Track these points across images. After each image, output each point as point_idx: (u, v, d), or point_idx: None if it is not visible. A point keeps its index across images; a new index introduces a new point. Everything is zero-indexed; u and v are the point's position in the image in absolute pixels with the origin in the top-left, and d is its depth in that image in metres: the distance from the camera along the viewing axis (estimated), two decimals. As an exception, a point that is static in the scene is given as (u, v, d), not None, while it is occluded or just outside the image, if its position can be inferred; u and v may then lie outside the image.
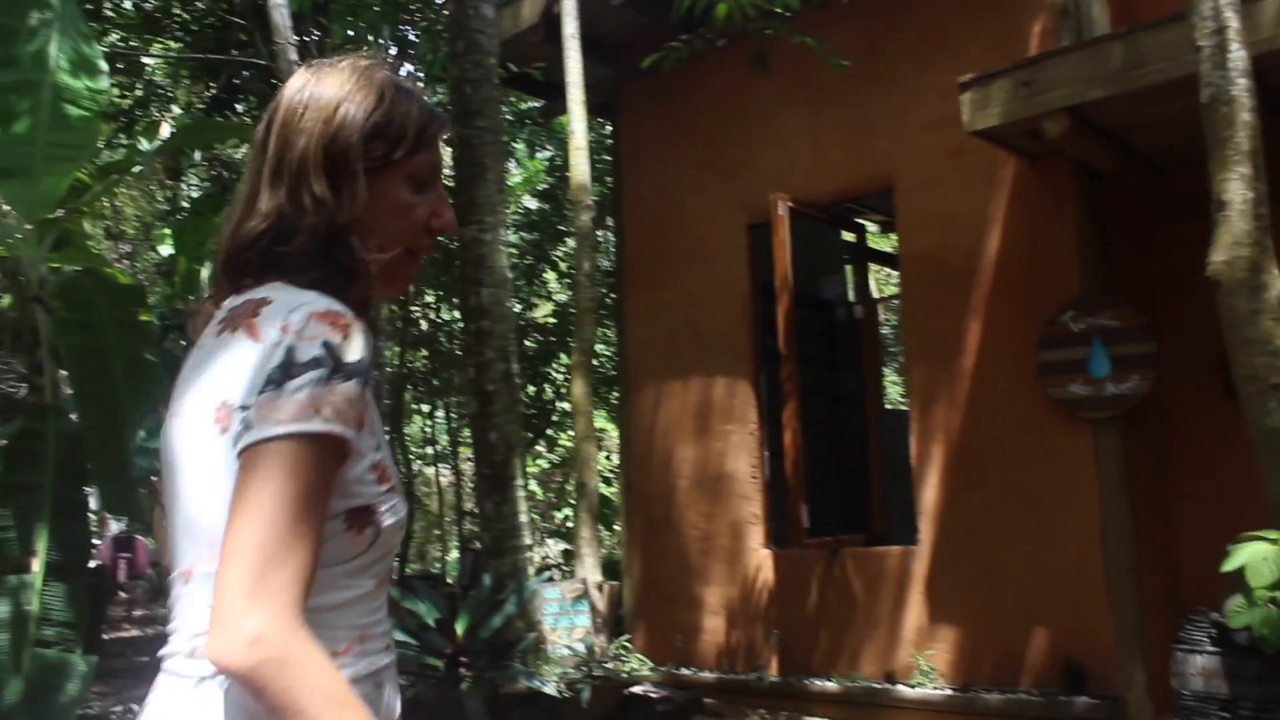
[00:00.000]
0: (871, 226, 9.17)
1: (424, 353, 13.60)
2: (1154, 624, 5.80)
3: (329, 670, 1.22)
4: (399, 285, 1.54)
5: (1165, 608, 6.00)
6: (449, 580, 11.15)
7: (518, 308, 13.98)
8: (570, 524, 12.75)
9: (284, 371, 1.27)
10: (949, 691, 6.14)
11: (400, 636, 5.80)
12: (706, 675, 7.15)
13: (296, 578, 1.22)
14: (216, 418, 1.31)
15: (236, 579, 1.19)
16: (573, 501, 10.63)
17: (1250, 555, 2.04)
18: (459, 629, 6.05)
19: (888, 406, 11.02)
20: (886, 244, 10.79)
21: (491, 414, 6.61)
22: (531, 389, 13.52)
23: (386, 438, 1.46)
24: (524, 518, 6.72)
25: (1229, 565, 2.07)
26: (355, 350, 1.30)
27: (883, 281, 14.75)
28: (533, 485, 16.22)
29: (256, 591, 1.19)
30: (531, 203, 14.11)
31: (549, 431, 14.29)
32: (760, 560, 7.18)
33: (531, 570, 6.89)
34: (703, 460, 7.47)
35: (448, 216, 1.52)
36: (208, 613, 1.22)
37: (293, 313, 1.31)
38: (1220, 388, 6.22)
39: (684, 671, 7.23)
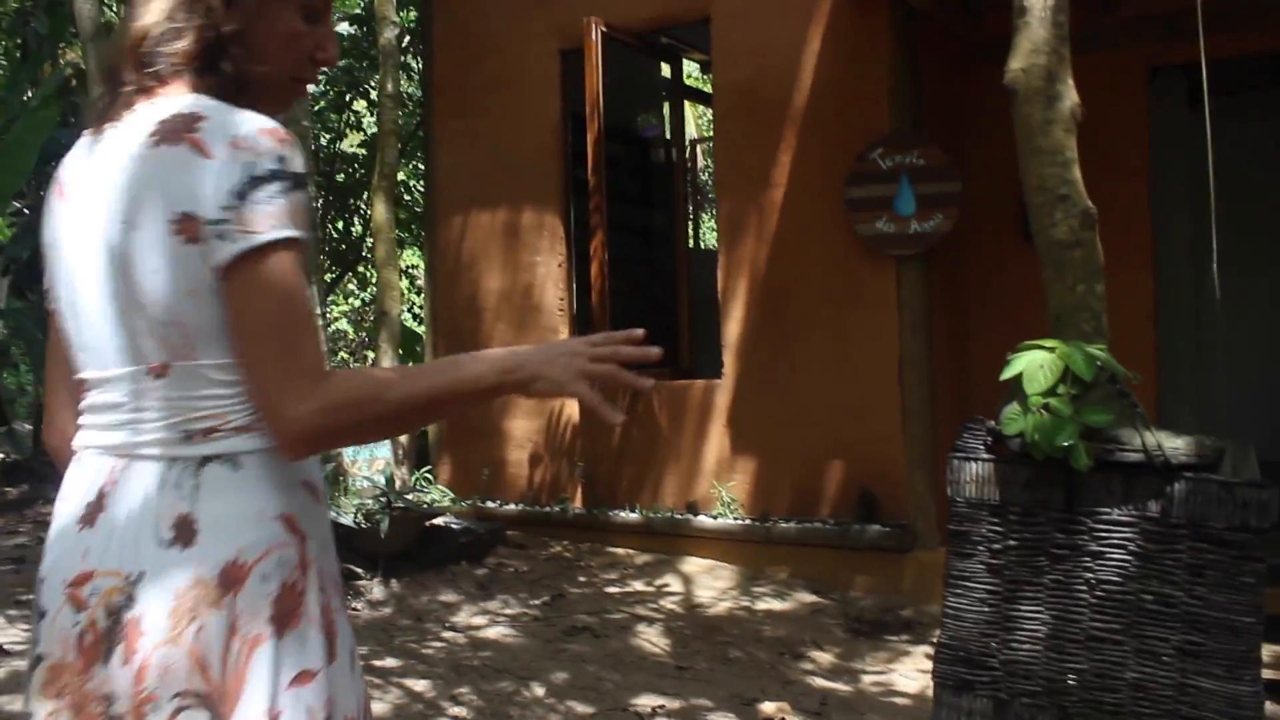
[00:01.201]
0: (694, 67, 9.00)
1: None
2: (945, 456, 5.98)
3: (362, 387, 1.42)
4: (280, 108, 1.59)
5: (956, 434, 6.18)
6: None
7: (325, 139, 13.38)
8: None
9: (251, 185, 1.38)
10: (747, 521, 6.26)
11: None
12: (511, 508, 7.12)
13: (318, 358, 1.39)
14: (180, 229, 1.39)
15: (276, 372, 1.37)
16: (381, 338, 10.34)
17: (1028, 363, 2.01)
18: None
19: (702, 248, 11.05)
20: (708, 86, 10.62)
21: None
22: (340, 224, 13.05)
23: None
24: (322, 348, 6.47)
25: (1007, 373, 2.04)
26: (299, 161, 1.43)
27: (704, 127, 14.63)
28: (343, 324, 15.84)
29: (297, 373, 1.36)
30: (343, 27, 13.40)
31: (360, 269, 13.89)
32: (567, 394, 7.11)
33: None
34: (510, 291, 7.31)
35: (332, 51, 1.61)
36: (207, 402, 1.42)
37: (239, 129, 1.41)
38: (1020, 230, 6.37)
39: (488, 504, 7.19)
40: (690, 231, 8.39)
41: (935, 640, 2.16)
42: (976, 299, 6.54)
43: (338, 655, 1.48)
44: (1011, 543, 2.12)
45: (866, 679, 4.86)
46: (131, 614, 1.38)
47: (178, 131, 1.42)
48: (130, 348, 1.44)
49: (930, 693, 4.72)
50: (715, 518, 6.38)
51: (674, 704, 4.42)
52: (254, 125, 1.42)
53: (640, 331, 1.61)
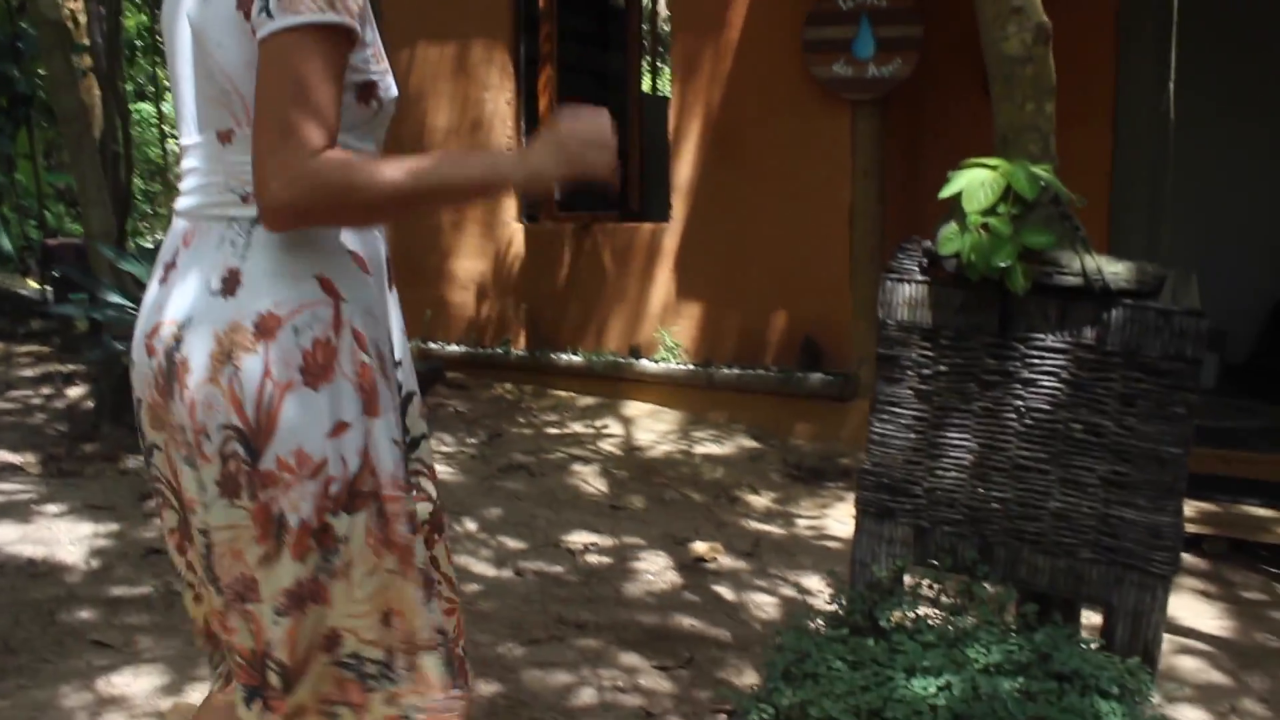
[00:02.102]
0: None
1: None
2: (890, 306, 5.93)
3: (368, 165, 1.49)
4: None
5: (902, 291, 6.12)
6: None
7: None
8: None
9: None
10: (690, 366, 6.21)
11: (118, 299, 5.39)
12: (454, 349, 7.02)
13: (324, 126, 1.44)
14: (240, 4, 1.49)
15: (267, 145, 1.43)
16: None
17: (968, 181, 1.91)
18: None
19: (658, 94, 10.78)
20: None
21: None
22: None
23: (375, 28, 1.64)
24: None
25: (946, 191, 1.94)
26: None
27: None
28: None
29: (284, 148, 1.42)
30: None
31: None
32: (512, 234, 6.98)
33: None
34: (457, 127, 7.09)
35: None
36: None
37: None
38: (981, 83, 6.20)
39: (431, 345, 7.08)
40: (645, 77, 8.14)
41: (860, 467, 2.10)
42: (931, 150, 6.39)
43: (380, 414, 1.60)
44: (942, 368, 2.05)
45: (800, 523, 4.88)
46: (179, 354, 1.56)
47: None
48: (205, 116, 1.58)
49: (862, 537, 4.77)
50: (658, 362, 6.32)
51: (606, 541, 4.41)
52: None
53: None
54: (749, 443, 5.88)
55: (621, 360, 6.43)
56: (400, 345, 1.79)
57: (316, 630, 1.61)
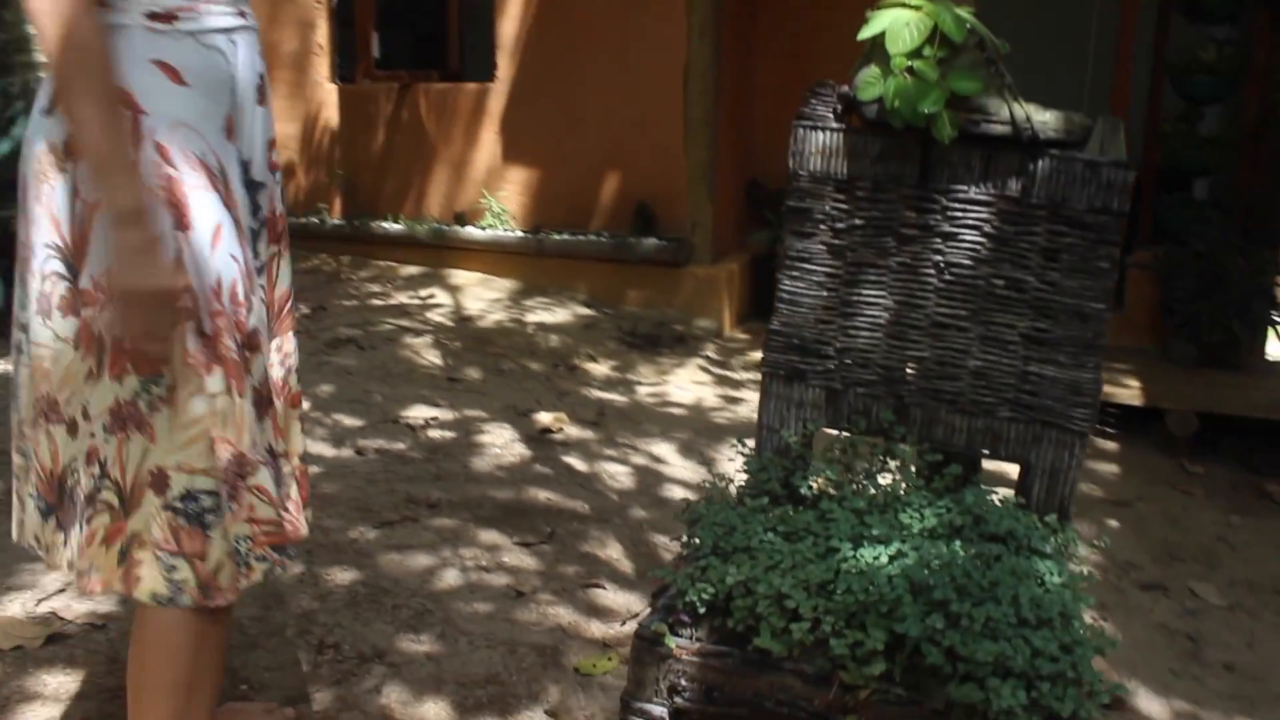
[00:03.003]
0: None
1: None
2: (724, 170, 5.83)
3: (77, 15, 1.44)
4: None
5: (736, 155, 6.04)
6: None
7: None
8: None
9: None
10: (519, 233, 5.99)
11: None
12: (262, 217, 6.59)
13: None
14: None
15: None
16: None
17: (891, 21, 1.77)
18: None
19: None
20: None
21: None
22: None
23: None
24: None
25: (866, 32, 1.80)
26: None
27: None
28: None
29: None
30: None
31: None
32: (324, 95, 6.54)
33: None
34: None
35: None
36: None
37: None
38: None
39: (237, 213, 6.62)
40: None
41: (768, 328, 1.98)
42: (766, 10, 6.26)
43: (190, 226, 1.57)
44: (857, 222, 1.93)
45: (642, 390, 4.79)
46: (23, 174, 1.62)
47: None
48: None
49: (705, 404, 4.72)
50: (485, 229, 6.08)
51: (447, 415, 4.22)
52: None
53: None
54: (583, 310, 5.74)
55: (446, 228, 6.16)
56: (261, 165, 1.76)
57: (144, 464, 1.62)
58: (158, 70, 1.57)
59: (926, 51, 1.83)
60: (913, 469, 1.88)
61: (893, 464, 1.89)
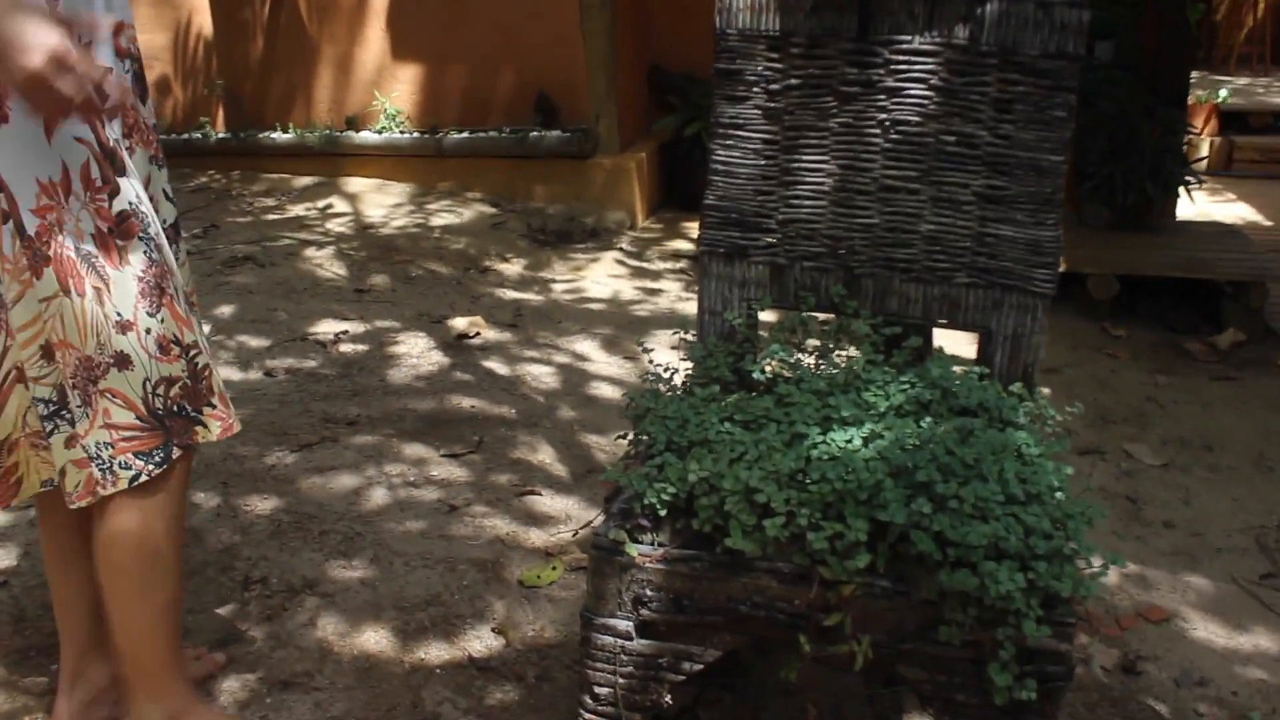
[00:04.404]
0: None
1: None
2: (625, 56, 5.61)
3: None
4: None
5: (636, 40, 5.81)
6: None
7: None
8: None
9: None
10: (415, 134, 5.72)
11: None
12: (140, 135, 6.22)
13: None
14: None
15: None
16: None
17: None
18: None
19: None
20: None
21: None
22: None
23: None
24: None
25: None
26: None
27: None
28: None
29: None
30: None
31: None
32: (195, 1, 6.15)
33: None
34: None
35: None
36: None
37: None
38: None
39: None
40: None
41: (703, 203, 1.83)
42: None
43: (7, 117, 1.44)
44: (793, 81, 1.78)
45: (557, 288, 4.63)
46: None
47: None
48: None
49: (624, 297, 4.58)
50: (379, 132, 5.80)
51: (358, 328, 4.02)
52: None
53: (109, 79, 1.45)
54: (488, 209, 5.53)
55: (337, 134, 5.86)
56: (108, 54, 1.58)
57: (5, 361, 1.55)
58: None
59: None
60: (870, 344, 1.76)
61: (848, 341, 1.77)
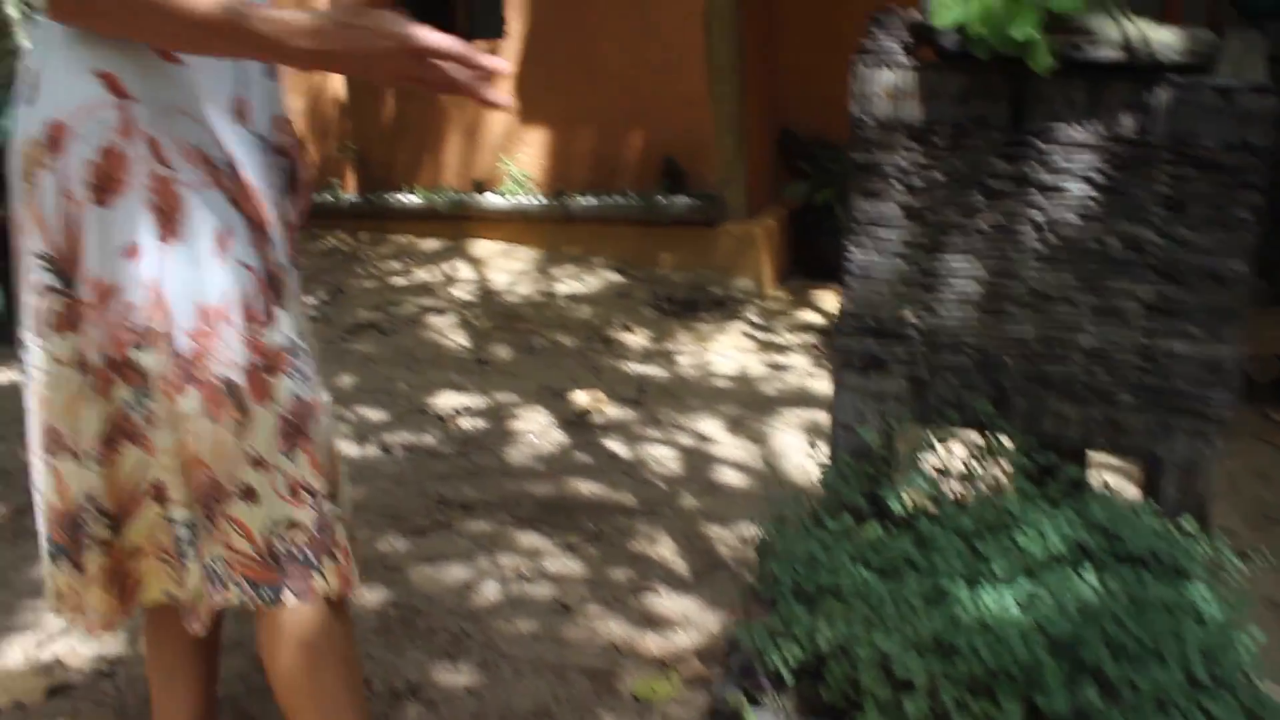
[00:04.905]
0: None
1: None
2: (754, 120, 5.48)
3: None
4: None
5: (765, 104, 5.69)
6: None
7: None
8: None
9: None
10: (543, 198, 5.67)
11: None
12: (274, 198, 6.31)
13: None
14: None
15: None
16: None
17: (970, -74, 1.43)
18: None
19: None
20: None
21: None
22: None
23: None
24: (14, 9, 5.36)
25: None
26: None
27: None
28: None
29: None
30: None
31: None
32: (329, 65, 6.23)
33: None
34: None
35: None
36: None
37: None
38: None
39: (247, 195, 6.35)
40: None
41: (838, 309, 1.67)
42: (785, -56, 5.88)
43: (179, 235, 1.38)
44: (937, 175, 1.61)
45: (682, 361, 4.49)
46: (9, 175, 1.41)
47: None
48: None
49: (751, 373, 4.42)
50: (506, 196, 5.76)
51: (478, 402, 3.94)
52: None
53: (500, 63, 1.38)
54: (614, 277, 5.43)
55: (465, 197, 5.85)
56: (272, 133, 1.54)
57: (140, 476, 1.47)
58: (148, 49, 1.36)
59: (1013, -34, 1.50)
60: (1022, 473, 1.57)
61: (996, 468, 1.59)
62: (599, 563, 2.83)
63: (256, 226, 1.45)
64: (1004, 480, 1.57)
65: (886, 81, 1.61)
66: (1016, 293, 1.63)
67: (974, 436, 1.67)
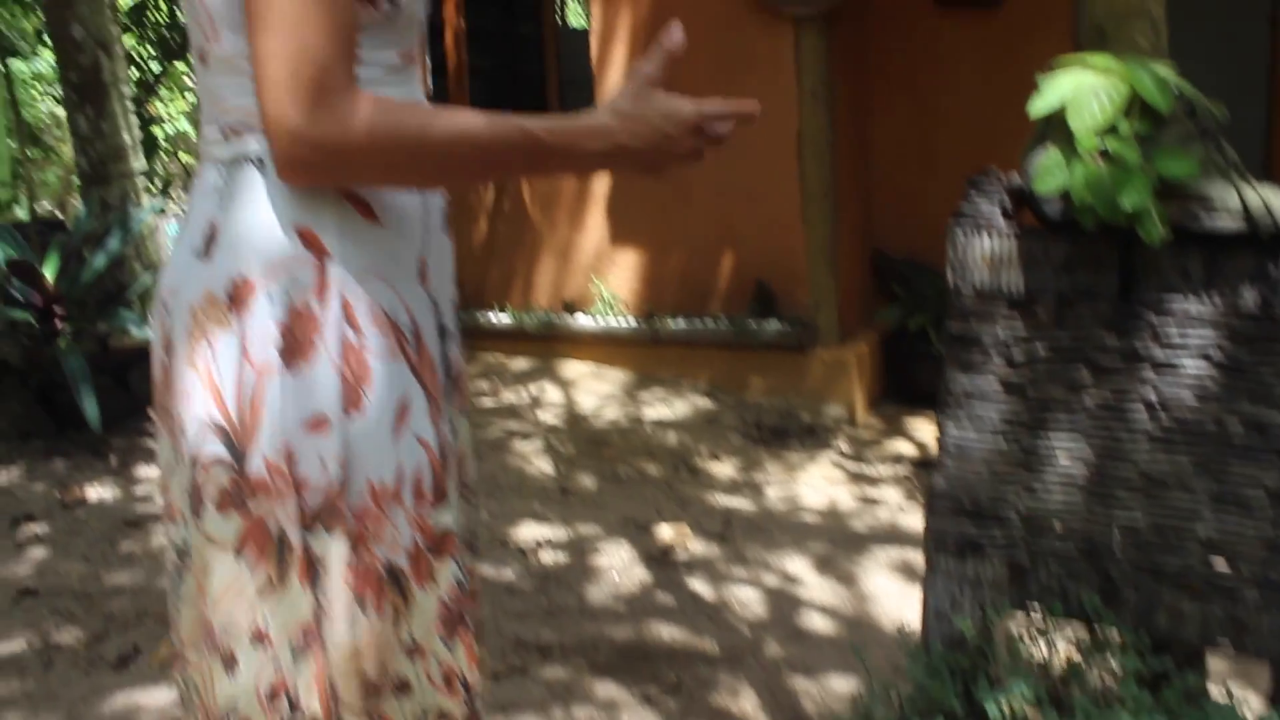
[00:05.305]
0: None
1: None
2: (846, 243, 5.41)
3: (396, 121, 1.17)
4: None
5: (858, 226, 5.62)
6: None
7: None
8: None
9: None
10: (632, 320, 5.63)
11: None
12: (367, 315, 6.37)
13: (341, 57, 1.13)
14: None
15: (286, 72, 1.10)
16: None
17: (1074, 88, 1.34)
18: (49, 273, 4.94)
19: (570, 27, 10.08)
20: None
21: (72, 2, 5.25)
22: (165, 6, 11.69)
23: None
24: (129, 135, 5.53)
25: (1041, 106, 1.39)
26: None
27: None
28: (184, 124, 14.41)
29: (306, 81, 1.11)
30: None
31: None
32: (424, 185, 6.31)
33: (148, 199, 5.76)
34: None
35: None
36: (238, 95, 1.22)
37: None
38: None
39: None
40: (556, 5, 7.47)
41: (931, 488, 1.56)
42: (878, 68, 5.86)
43: (364, 407, 1.25)
44: (1040, 349, 1.50)
45: (771, 494, 4.37)
46: (167, 331, 1.30)
47: None
48: (190, 33, 1.28)
49: (841, 507, 4.28)
50: (596, 317, 5.74)
51: (560, 534, 3.85)
52: None
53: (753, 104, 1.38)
54: (702, 401, 5.34)
55: (555, 318, 5.84)
56: (449, 309, 1.42)
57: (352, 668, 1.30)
58: (345, 202, 1.25)
59: (1122, 126, 1.41)
60: (1134, 677, 1.43)
61: (1102, 670, 1.45)
62: (677, 716, 2.70)
63: (431, 397, 1.34)
64: (1113, 682, 1.43)
65: (985, 249, 1.51)
66: (1126, 476, 1.50)
67: (1079, 631, 1.54)
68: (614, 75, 5.66)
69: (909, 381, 5.39)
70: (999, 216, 1.52)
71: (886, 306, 5.48)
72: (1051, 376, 1.52)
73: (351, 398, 1.25)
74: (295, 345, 1.23)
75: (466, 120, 1.20)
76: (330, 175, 1.20)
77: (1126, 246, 1.45)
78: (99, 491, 4.31)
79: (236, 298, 1.23)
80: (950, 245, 1.52)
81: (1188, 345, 1.45)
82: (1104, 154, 1.40)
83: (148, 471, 4.52)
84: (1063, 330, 1.50)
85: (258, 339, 1.22)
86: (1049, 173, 1.42)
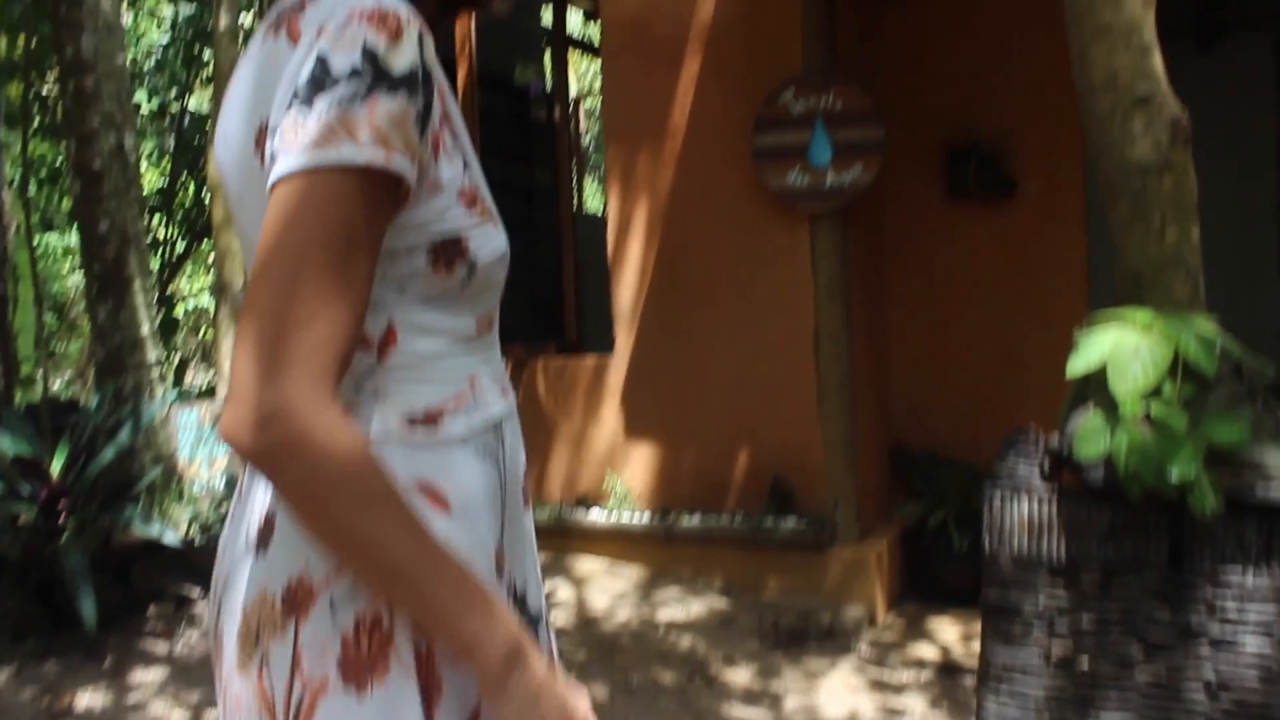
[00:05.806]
0: (577, 18, 8.16)
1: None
2: (864, 438, 5.33)
3: (360, 458, 1.01)
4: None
5: (876, 421, 5.55)
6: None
7: (173, 93, 12.25)
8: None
9: (313, 86, 1.04)
10: (646, 516, 5.51)
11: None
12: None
13: (325, 344, 1.00)
14: (257, 143, 1.13)
15: (250, 347, 0.99)
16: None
17: (1114, 348, 1.27)
18: (57, 464, 4.88)
19: (585, 213, 10.25)
20: (594, 35, 9.81)
21: (100, 197, 5.33)
22: (191, 187, 11.99)
23: (473, 154, 1.25)
24: (147, 327, 5.53)
25: (1077, 365, 1.31)
26: (406, 57, 1.05)
27: (588, 83, 13.87)
28: (205, 300, 14.59)
29: (270, 363, 0.99)
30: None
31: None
32: (438, 374, 6.29)
33: (161, 390, 5.74)
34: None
35: None
36: None
37: (335, 10, 1.07)
38: (943, 185, 5.72)
39: (351, 501, 6.31)
40: (574, 194, 7.59)
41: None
42: (894, 262, 5.88)
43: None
44: (1086, 622, 1.39)
45: (789, 704, 4.18)
46: (217, 627, 1.18)
47: (286, 16, 1.14)
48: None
49: (862, 715, 4.08)
50: (609, 513, 5.62)
51: (568, 752, 3.66)
52: (356, 4, 1.06)
53: None
54: (718, 601, 5.18)
55: (567, 513, 5.72)
56: (537, 593, 1.30)
57: None
58: (418, 495, 1.13)
59: (1167, 390, 1.33)
60: None
61: None
62: None
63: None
64: None
65: (1024, 513, 1.42)
66: (1187, 763, 1.37)
67: None
68: (629, 261, 5.68)
69: (931, 579, 5.25)
70: (1037, 479, 1.43)
71: (906, 501, 5.36)
72: (1100, 650, 1.40)
73: (429, 715, 1.11)
74: (359, 661, 1.09)
75: (422, 526, 1.06)
76: (268, 471, 1.03)
77: (1176, 513, 1.35)
78: (89, 699, 4.14)
79: (293, 601, 1.10)
80: (986, 508, 1.43)
81: (1247, 621, 1.34)
82: (1149, 419, 1.32)
83: (142, 676, 4.35)
84: (1110, 601, 1.40)
85: (316, 652, 1.09)
86: (1091, 438, 1.34)
